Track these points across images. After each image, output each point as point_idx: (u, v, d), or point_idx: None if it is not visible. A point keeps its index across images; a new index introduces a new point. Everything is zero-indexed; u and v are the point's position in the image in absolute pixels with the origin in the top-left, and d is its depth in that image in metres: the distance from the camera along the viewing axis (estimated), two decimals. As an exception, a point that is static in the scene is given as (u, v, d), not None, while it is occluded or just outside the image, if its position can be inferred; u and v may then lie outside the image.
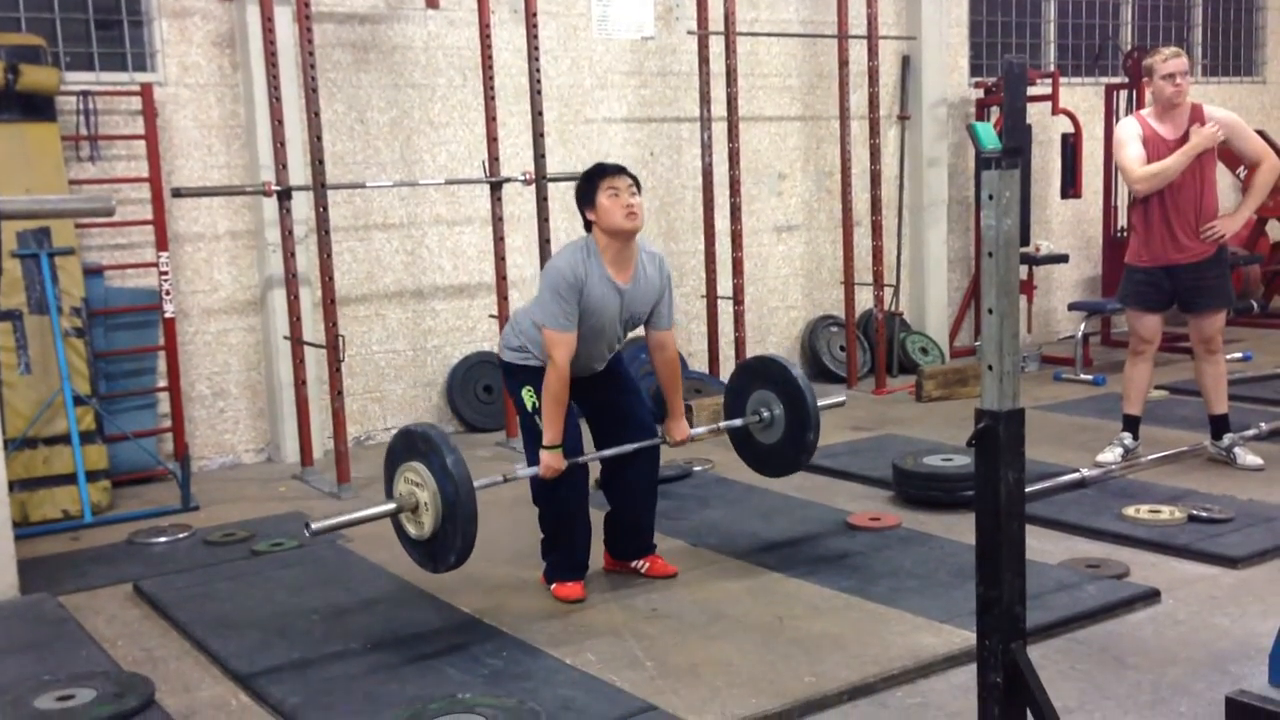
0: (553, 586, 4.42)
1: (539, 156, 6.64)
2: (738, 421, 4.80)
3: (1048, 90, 8.60)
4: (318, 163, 5.95)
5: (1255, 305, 9.59)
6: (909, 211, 8.85)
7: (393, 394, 7.17)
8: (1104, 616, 4.04)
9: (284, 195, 6.15)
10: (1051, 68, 9.47)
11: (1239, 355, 8.28)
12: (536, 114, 6.60)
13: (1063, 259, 9.07)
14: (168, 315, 6.32)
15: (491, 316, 7.06)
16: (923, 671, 3.67)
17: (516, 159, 7.07)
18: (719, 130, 7.52)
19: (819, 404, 4.66)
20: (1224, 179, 6.87)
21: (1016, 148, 2.69)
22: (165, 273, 6.28)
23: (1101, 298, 9.21)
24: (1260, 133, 6.55)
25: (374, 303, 7.06)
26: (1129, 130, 5.67)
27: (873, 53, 8.00)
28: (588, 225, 4.28)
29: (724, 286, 7.63)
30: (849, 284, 8.12)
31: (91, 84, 6.20)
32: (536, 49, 6.60)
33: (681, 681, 3.64)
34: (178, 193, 6.06)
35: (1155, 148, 5.59)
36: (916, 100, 8.73)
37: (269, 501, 5.96)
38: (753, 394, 4.77)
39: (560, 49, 7.47)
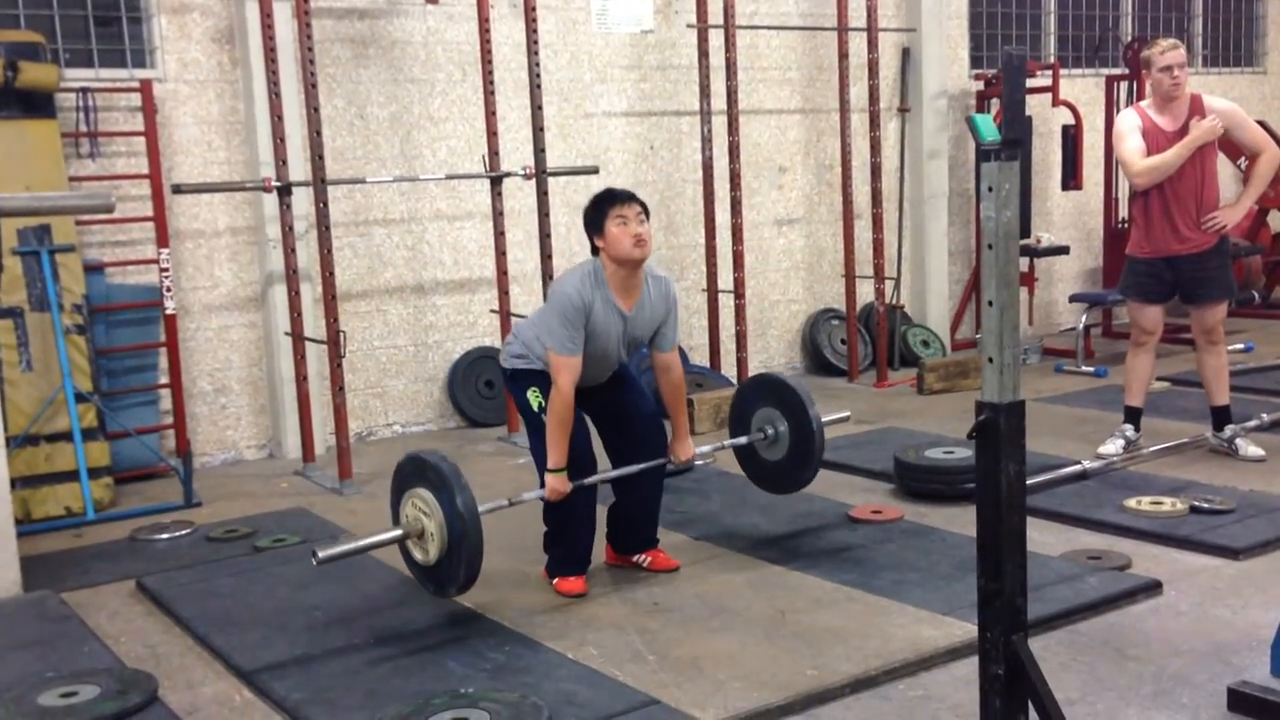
0: (555, 581, 4.42)
1: (539, 151, 6.64)
2: (742, 439, 4.82)
3: (1048, 82, 8.59)
4: (318, 158, 5.95)
5: (1256, 296, 9.58)
6: (910, 204, 8.85)
7: (394, 389, 7.17)
8: (1106, 608, 4.04)
9: (284, 191, 6.15)
10: (1051, 59, 9.46)
11: (1240, 346, 8.28)
12: (536, 108, 6.59)
13: (1063, 251, 9.06)
14: (169, 312, 6.32)
15: (493, 311, 7.06)
16: (924, 664, 3.68)
17: (516, 154, 7.07)
18: (719, 124, 7.52)
19: (823, 419, 4.68)
20: (1224, 169, 6.85)
21: (1016, 140, 2.68)
22: (166, 269, 6.28)
23: (1102, 289, 9.20)
24: (1261, 123, 6.54)
25: (375, 298, 7.06)
26: (1128, 122, 5.66)
27: (872, 45, 7.99)
28: (594, 250, 4.30)
29: (725, 280, 7.63)
30: (850, 277, 8.12)
31: (91, 81, 6.20)
32: (536, 43, 6.60)
33: (684, 675, 3.65)
34: (178, 189, 6.06)
35: (1155, 139, 5.58)
36: (917, 93, 8.72)
37: (271, 497, 5.96)
38: (757, 411, 4.80)
39: (560, 43, 7.46)
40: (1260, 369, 7.65)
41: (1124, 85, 9.14)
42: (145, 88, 6.21)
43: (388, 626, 4.11)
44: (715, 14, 7.39)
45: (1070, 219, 9.77)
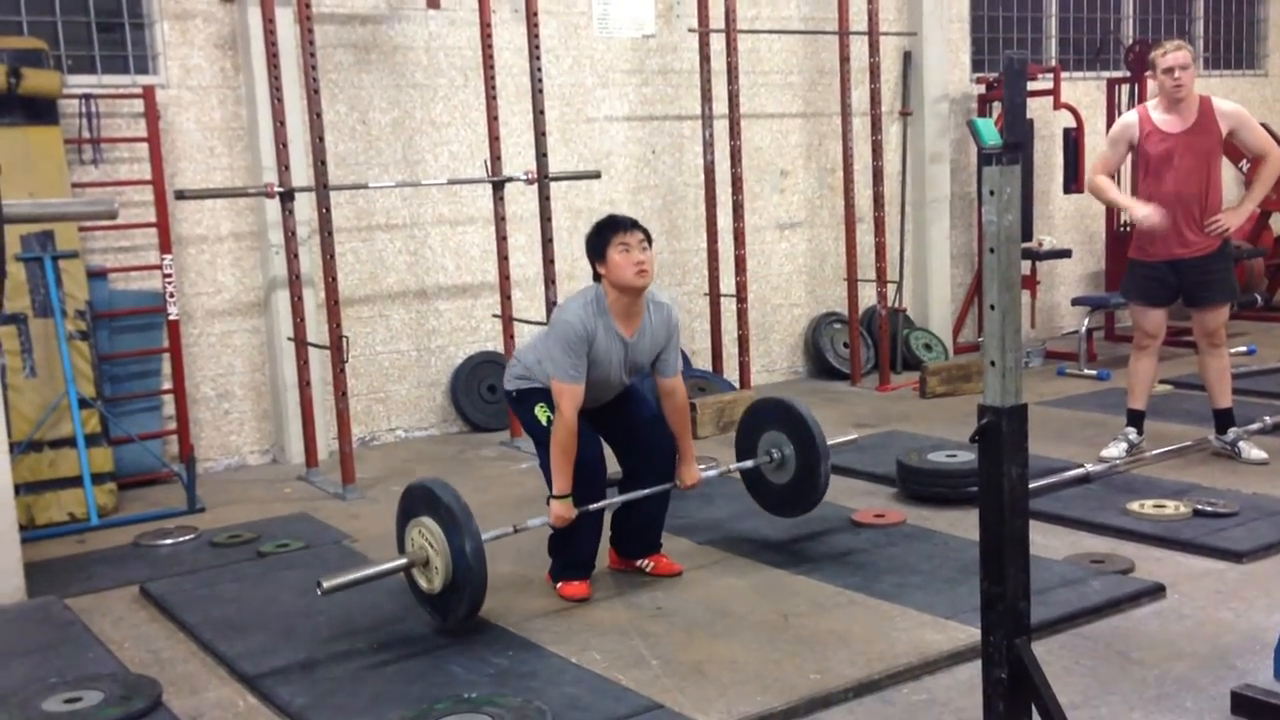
0: (558, 585, 4.43)
1: (541, 156, 6.64)
2: (749, 463, 4.84)
3: (1049, 85, 8.59)
4: (320, 164, 5.96)
5: (1259, 299, 9.59)
6: (911, 208, 8.85)
7: (397, 394, 7.18)
8: (1109, 612, 4.04)
9: (287, 196, 6.15)
10: (1053, 62, 9.47)
11: (1243, 349, 8.28)
12: (538, 113, 6.60)
13: (1065, 254, 9.06)
14: (172, 317, 6.33)
15: (495, 316, 7.06)
16: (928, 668, 3.67)
17: (518, 158, 7.08)
18: (721, 128, 7.53)
19: (830, 442, 4.70)
20: (1227, 172, 6.86)
21: (1017, 143, 2.69)
22: (169, 275, 6.29)
23: (1105, 292, 9.20)
24: (1263, 125, 6.54)
25: (377, 303, 7.07)
26: (1117, 128, 5.85)
27: (874, 49, 8.00)
28: (596, 276, 4.31)
29: (727, 284, 7.63)
30: (852, 281, 8.12)
31: (94, 87, 6.22)
32: (538, 48, 6.60)
33: (687, 680, 3.65)
34: (180, 195, 6.07)
35: (1155, 140, 5.60)
36: (918, 96, 8.72)
37: (274, 503, 5.97)
38: (764, 435, 4.80)
39: (561, 48, 7.47)
40: (1263, 372, 7.65)
41: (1125, 88, 9.14)
42: (148, 94, 6.22)
43: (391, 632, 4.11)
44: (717, 18, 7.40)
45: (1072, 222, 9.77)
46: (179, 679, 3.88)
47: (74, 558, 5.22)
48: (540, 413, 4.35)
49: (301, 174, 6.30)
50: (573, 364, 4.18)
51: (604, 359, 4.27)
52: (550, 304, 6.58)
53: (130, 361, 6.39)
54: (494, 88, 6.63)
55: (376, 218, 7.02)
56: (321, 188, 5.99)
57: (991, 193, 2.61)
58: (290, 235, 6.22)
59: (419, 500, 4.05)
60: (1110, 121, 8.88)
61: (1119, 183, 9.03)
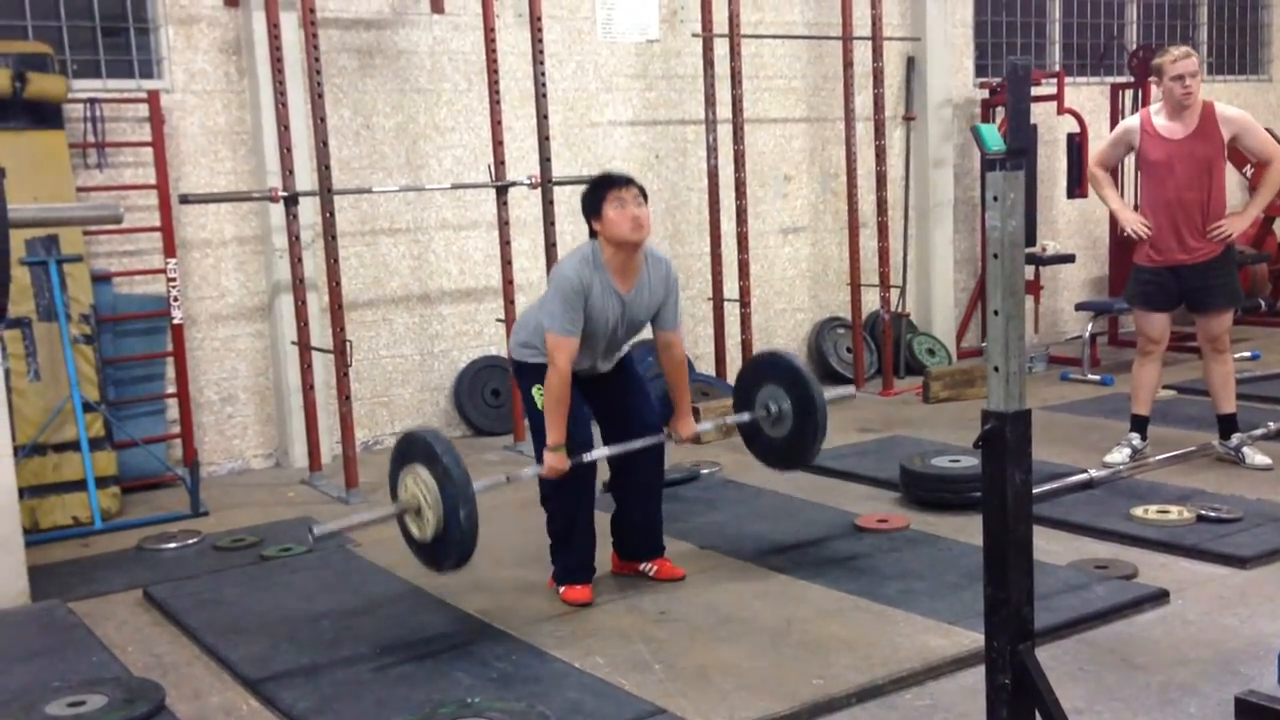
0: (561, 590, 4.42)
1: (544, 160, 6.65)
2: (745, 416, 4.79)
3: (1053, 90, 8.59)
4: (324, 168, 5.97)
5: (1263, 304, 9.58)
6: (915, 213, 8.85)
7: (400, 398, 7.18)
8: (1113, 617, 4.03)
9: (290, 201, 6.16)
10: (1056, 67, 9.47)
11: (1247, 354, 8.27)
12: (542, 118, 6.61)
13: (1069, 259, 9.06)
14: (176, 321, 6.34)
15: (498, 320, 7.06)
16: (931, 673, 3.67)
17: (522, 163, 7.08)
18: (724, 133, 7.53)
19: (827, 396, 4.66)
20: (1230, 177, 6.85)
21: (1021, 149, 2.69)
22: (173, 279, 6.29)
23: (1109, 297, 9.19)
24: (1267, 130, 6.54)
25: (381, 307, 7.07)
26: (1119, 131, 5.89)
27: (877, 54, 8.00)
28: (593, 233, 4.30)
29: (730, 289, 7.64)
30: (855, 285, 8.12)
31: (98, 91, 6.23)
32: (541, 53, 6.61)
33: (690, 684, 3.65)
34: (185, 199, 6.08)
35: (1155, 145, 5.60)
36: (922, 101, 8.73)
37: (278, 507, 5.97)
38: (761, 389, 4.78)
39: (565, 53, 7.48)
40: (1267, 377, 7.63)
41: (1129, 93, 9.14)
42: (152, 98, 6.23)
43: (394, 636, 4.12)
44: (720, 23, 7.40)
45: (1075, 227, 9.77)
46: (182, 683, 3.88)
47: (78, 561, 5.22)
48: (538, 395, 4.31)
49: (305, 178, 6.31)
50: (569, 317, 4.17)
51: (599, 315, 4.24)
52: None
53: (134, 365, 6.39)
54: (498, 92, 6.64)
55: (380, 222, 7.03)
56: (325, 192, 6.00)
57: (995, 198, 2.61)
58: (294, 239, 6.23)
59: (402, 452, 3.99)
60: (1114, 127, 8.89)
61: (1120, 183, 9.09)
